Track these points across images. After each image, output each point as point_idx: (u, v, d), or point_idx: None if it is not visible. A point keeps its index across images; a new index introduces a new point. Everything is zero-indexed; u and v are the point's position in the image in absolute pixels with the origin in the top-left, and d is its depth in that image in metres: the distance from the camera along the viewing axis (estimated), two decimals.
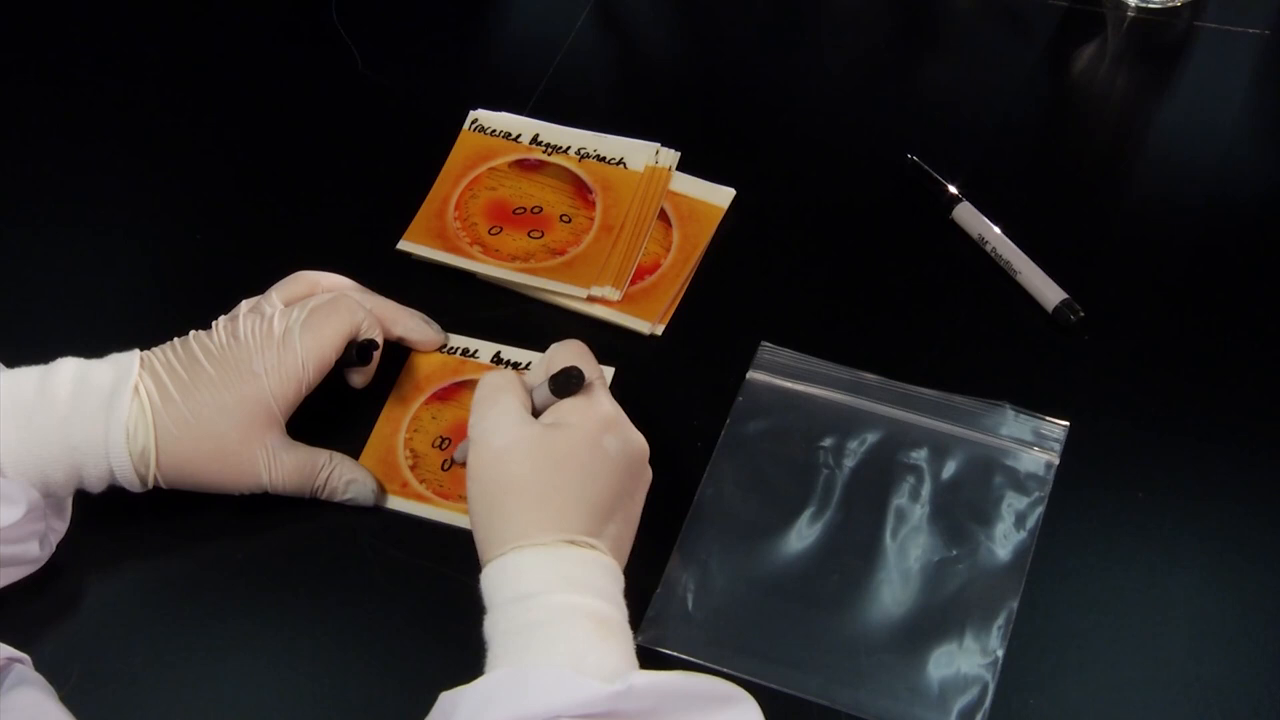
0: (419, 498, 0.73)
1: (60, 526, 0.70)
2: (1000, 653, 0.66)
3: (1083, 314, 0.76)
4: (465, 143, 0.87)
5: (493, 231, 0.82)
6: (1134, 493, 0.71)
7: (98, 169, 0.90)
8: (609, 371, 0.76)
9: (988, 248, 0.80)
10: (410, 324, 0.77)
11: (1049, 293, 0.77)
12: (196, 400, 0.68)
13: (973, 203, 0.81)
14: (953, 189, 0.82)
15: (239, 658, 0.69)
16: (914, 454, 0.72)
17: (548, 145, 0.86)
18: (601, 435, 0.64)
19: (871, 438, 0.73)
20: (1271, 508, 0.70)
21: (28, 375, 0.68)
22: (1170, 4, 0.90)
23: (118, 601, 0.71)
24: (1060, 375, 0.75)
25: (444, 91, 0.91)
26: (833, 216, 0.83)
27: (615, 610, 0.61)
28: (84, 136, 0.92)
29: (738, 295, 0.81)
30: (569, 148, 0.86)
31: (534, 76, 0.91)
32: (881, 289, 0.80)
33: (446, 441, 0.75)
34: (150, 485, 0.69)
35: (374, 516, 0.73)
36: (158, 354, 0.70)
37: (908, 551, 0.69)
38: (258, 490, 0.70)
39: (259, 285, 0.75)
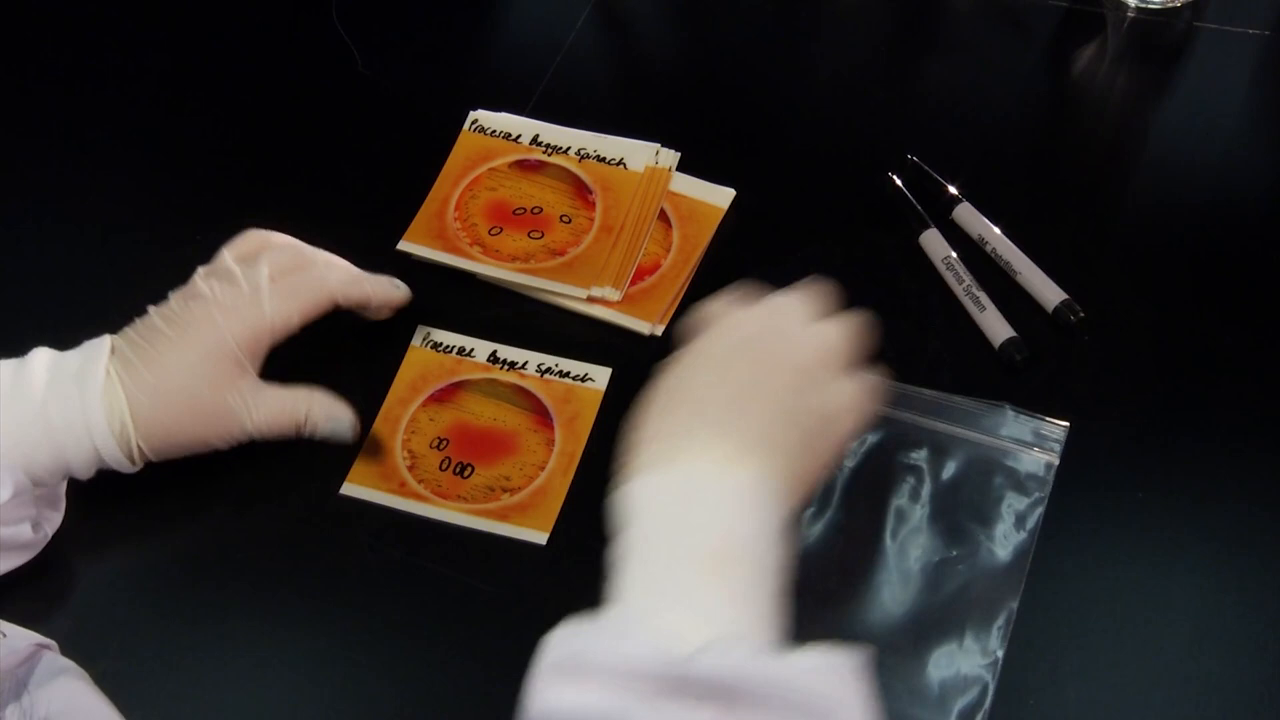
0: (418, 497, 0.73)
1: (55, 517, 0.70)
2: (1000, 653, 0.66)
3: (1083, 314, 0.76)
4: (465, 143, 0.87)
5: (493, 232, 0.82)
6: (1134, 493, 0.71)
7: (98, 169, 0.90)
8: (603, 375, 0.77)
9: (988, 248, 0.80)
10: (376, 287, 0.76)
11: (1049, 293, 0.77)
12: (161, 364, 0.68)
13: (973, 203, 0.81)
14: (953, 189, 0.82)
15: (238, 658, 0.69)
16: (914, 454, 0.72)
17: (548, 146, 0.86)
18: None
19: (871, 438, 0.73)
20: (1272, 508, 0.70)
21: (3, 367, 0.68)
22: (1170, 4, 0.90)
23: (116, 602, 0.71)
24: (1060, 375, 0.75)
25: (444, 91, 0.91)
26: (833, 216, 0.83)
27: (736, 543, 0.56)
28: (84, 136, 0.92)
29: None
30: (569, 148, 0.86)
31: (534, 76, 0.91)
32: (881, 290, 0.80)
33: (444, 442, 0.75)
34: (139, 461, 0.70)
35: (374, 517, 0.73)
36: (122, 334, 0.70)
37: (908, 552, 0.69)
38: (244, 438, 0.70)
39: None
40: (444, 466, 0.74)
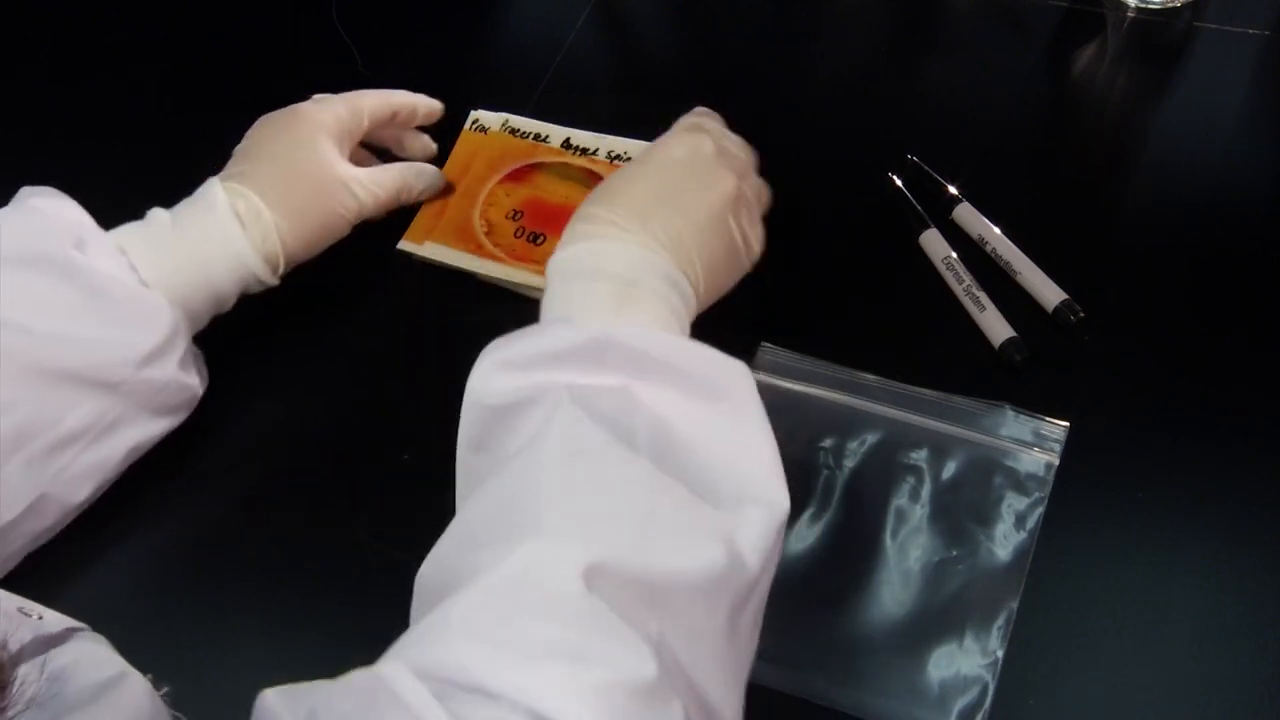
0: (494, 258, 0.81)
1: (200, 382, 0.74)
2: (1000, 653, 0.66)
3: (1083, 315, 0.76)
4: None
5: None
6: (1134, 493, 0.71)
7: (98, 169, 0.90)
8: None
9: (988, 248, 0.80)
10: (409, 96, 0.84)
11: (1049, 293, 0.77)
12: (268, 159, 0.76)
13: (973, 203, 0.81)
14: (953, 189, 0.82)
15: (237, 659, 0.69)
16: (914, 454, 0.72)
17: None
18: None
19: (871, 438, 0.73)
20: (1272, 508, 0.70)
21: (128, 225, 0.74)
22: (1170, 4, 0.90)
23: (115, 602, 0.71)
24: (1060, 375, 0.75)
25: (444, 91, 0.90)
26: (833, 216, 0.83)
27: (642, 288, 0.64)
28: (84, 136, 0.92)
29: (738, 295, 0.80)
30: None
31: (534, 76, 0.91)
32: (882, 289, 0.80)
33: (519, 214, 0.83)
34: (279, 258, 0.75)
35: (373, 517, 0.73)
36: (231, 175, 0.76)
37: (908, 552, 0.69)
38: (363, 211, 0.78)
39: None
40: (518, 235, 0.81)
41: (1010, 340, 0.75)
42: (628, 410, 0.58)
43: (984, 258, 0.80)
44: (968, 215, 0.81)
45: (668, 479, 0.57)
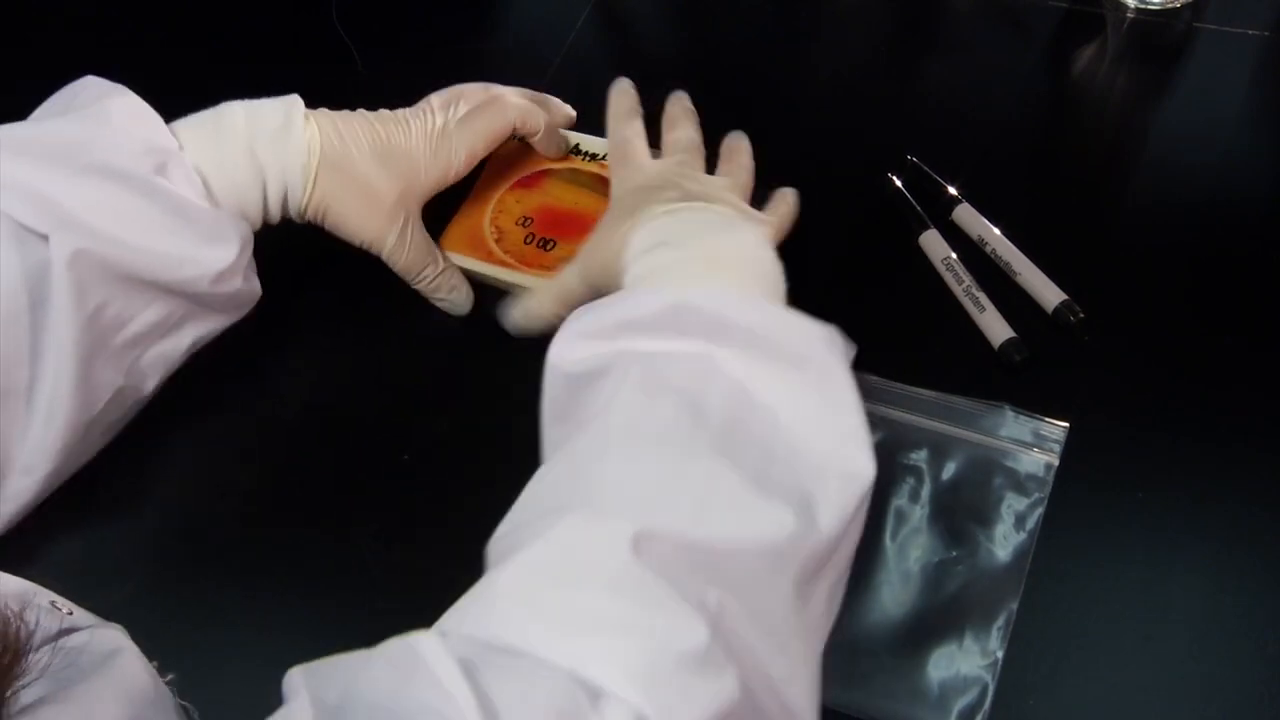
0: (503, 264, 0.81)
1: (259, 287, 0.76)
2: (1000, 654, 0.66)
3: (1083, 315, 0.76)
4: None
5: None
6: (1134, 493, 0.71)
7: None
8: None
9: (987, 249, 0.80)
10: (552, 113, 0.84)
11: (1049, 294, 0.77)
12: (357, 143, 0.76)
13: (973, 203, 0.81)
14: (953, 189, 0.82)
15: (236, 658, 0.69)
16: (913, 455, 0.72)
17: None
18: None
19: (871, 438, 0.73)
20: (1272, 508, 0.70)
21: (200, 117, 0.75)
22: (1170, 5, 0.90)
23: (115, 601, 0.71)
24: (1060, 376, 0.75)
25: None
26: (833, 216, 0.83)
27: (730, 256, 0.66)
28: None
29: None
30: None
31: (534, 76, 0.91)
32: (882, 290, 0.80)
33: (529, 220, 0.83)
34: (302, 211, 0.76)
35: (373, 517, 0.73)
36: (326, 111, 0.77)
37: (907, 553, 0.69)
38: (379, 250, 0.77)
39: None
40: (528, 241, 0.82)
41: (1010, 340, 0.75)
42: (703, 379, 0.58)
43: (984, 258, 0.80)
44: (967, 216, 0.81)
45: (733, 458, 0.56)
